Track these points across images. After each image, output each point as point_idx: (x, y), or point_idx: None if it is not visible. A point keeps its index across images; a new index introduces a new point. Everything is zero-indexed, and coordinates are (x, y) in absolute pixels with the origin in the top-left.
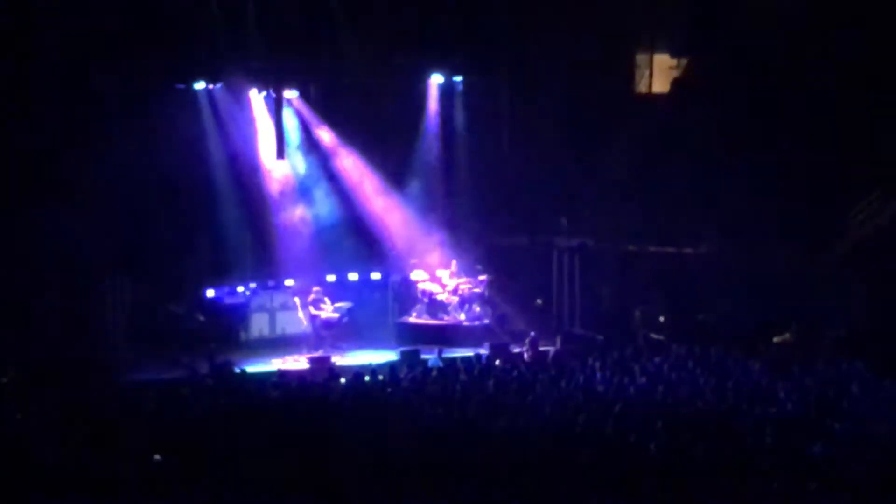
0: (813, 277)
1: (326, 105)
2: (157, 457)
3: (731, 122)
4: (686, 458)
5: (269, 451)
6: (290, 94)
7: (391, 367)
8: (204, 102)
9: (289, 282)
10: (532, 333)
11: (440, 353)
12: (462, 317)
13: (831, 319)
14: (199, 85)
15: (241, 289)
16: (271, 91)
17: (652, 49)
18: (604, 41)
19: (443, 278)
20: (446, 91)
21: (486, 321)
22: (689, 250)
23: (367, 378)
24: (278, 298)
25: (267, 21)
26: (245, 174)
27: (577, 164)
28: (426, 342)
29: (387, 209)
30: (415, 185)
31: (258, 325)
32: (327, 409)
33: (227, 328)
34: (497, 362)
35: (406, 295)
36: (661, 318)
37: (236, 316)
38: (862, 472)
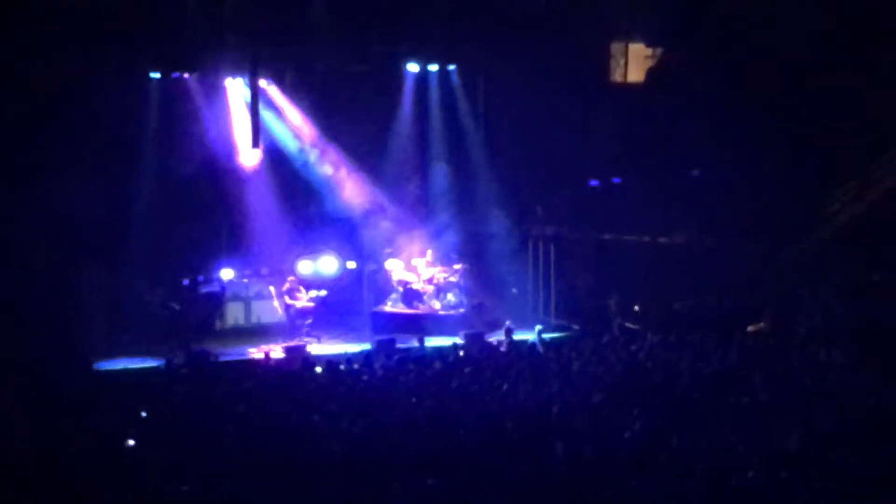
0: (788, 266)
1: (302, 93)
2: (130, 442)
3: (706, 111)
4: (662, 446)
5: (244, 439)
6: (266, 82)
7: (366, 356)
8: (179, 91)
9: (264, 271)
10: (508, 322)
11: (421, 341)
12: (437, 306)
13: (807, 308)
14: (175, 74)
15: (225, 272)
16: (246, 79)
17: (628, 38)
18: (580, 30)
19: (418, 267)
20: (421, 79)
21: (462, 310)
22: (664, 239)
23: (342, 367)
24: (253, 287)
25: (243, 9)
26: (220, 163)
27: (552, 152)
28: (401, 331)
29: (362, 197)
30: (390, 174)
31: (233, 313)
32: (302, 397)
33: (203, 317)
34: (471, 351)
35: (381, 284)
36: (637, 307)
37: (211, 305)
38: (837, 461)
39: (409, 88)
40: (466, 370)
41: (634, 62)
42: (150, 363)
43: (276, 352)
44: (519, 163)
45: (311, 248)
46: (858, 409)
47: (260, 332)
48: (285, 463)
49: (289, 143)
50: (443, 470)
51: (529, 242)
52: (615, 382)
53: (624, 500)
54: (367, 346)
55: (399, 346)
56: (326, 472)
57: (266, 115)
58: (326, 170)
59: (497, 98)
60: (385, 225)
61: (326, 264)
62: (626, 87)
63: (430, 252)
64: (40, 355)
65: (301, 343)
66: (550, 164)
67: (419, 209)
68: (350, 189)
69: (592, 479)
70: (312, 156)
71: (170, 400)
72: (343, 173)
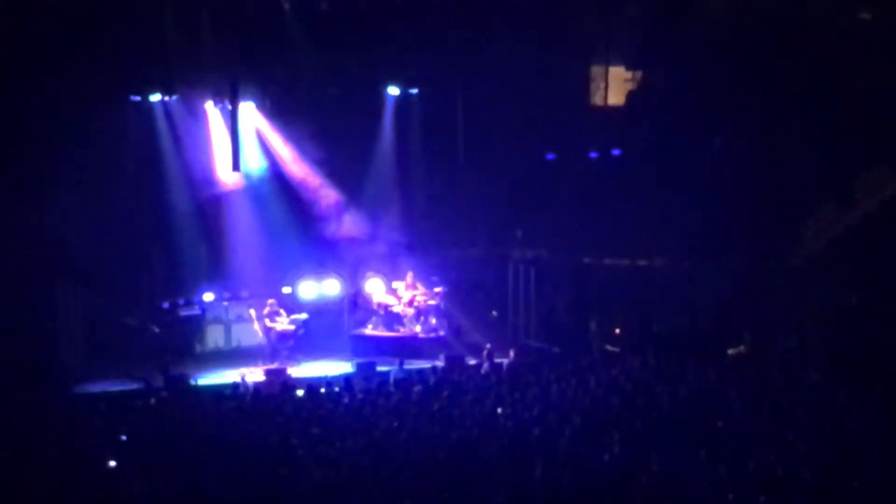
0: (767, 289)
1: (282, 117)
2: (111, 463)
3: (685, 134)
4: (641, 469)
5: (223, 463)
6: (246, 106)
7: (346, 379)
8: (159, 114)
9: (244, 294)
10: (488, 345)
11: (401, 364)
12: (418, 329)
13: (785, 330)
14: (155, 97)
15: (206, 295)
16: (226, 103)
17: (608, 61)
18: (560, 53)
19: (399, 290)
20: (402, 102)
21: (442, 333)
22: (643, 262)
23: (322, 390)
24: (234, 310)
25: (222, 33)
26: (200, 186)
27: (532, 175)
28: (382, 354)
29: (342, 221)
30: (370, 197)
31: (213, 337)
32: (282, 421)
33: (183, 340)
34: (451, 374)
35: (362, 307)
36: (617, 330)
37: (191, 328)
38: (814, 483)
39: (389, 111)
40: (446, 393)
41: (615, 85)
42: (128, 386)
43: (257, 375)
44: (499, 186)
45: (296, 271)
46: (836, 430)
47: (240, 356)
48: (265, 486)
49: (269, 167)
50: (422, 493)
51: (509, 265)
52: (595, 405)
53: None
54: (347, 369)
55: (379, 369)
56: (306, 494)
57: (247, 138)
58: (307, 193)
59: (477, 122)
60: (365, 248)
61: (330, 287)
62: (607, 110)
63: (410, 274)
64: (19, 378)
65: (281, 366)
66: (531, 188)
67: (400, 232)
68: (331, 212)
69: (571, 502)
70: (293, 179)
71: (148, 423)
72: (324, 196)
